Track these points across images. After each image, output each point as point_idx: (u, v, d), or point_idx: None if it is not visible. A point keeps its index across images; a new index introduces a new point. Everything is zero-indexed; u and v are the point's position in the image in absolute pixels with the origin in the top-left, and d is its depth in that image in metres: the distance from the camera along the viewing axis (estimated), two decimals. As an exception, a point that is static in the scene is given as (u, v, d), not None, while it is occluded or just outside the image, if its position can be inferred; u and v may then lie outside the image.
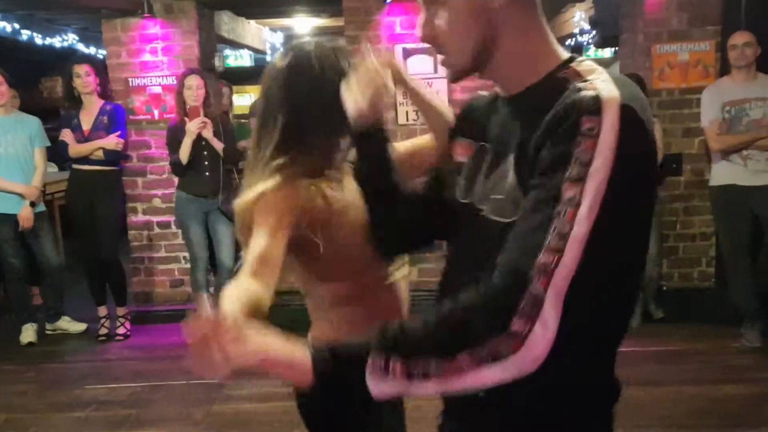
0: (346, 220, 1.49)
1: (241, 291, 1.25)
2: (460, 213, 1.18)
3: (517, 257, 0.98)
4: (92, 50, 7.66)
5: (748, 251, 4.25)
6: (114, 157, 4.76)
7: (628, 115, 0.97)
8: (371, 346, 1.00)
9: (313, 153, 1.50)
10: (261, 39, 8.48)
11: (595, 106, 0.97)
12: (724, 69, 4.64)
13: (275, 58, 1.57)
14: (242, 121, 6.40)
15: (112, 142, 4.68)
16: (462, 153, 1.22)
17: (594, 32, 7.60)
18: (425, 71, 5.07)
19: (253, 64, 9.67)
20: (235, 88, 7.20)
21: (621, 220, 0.97)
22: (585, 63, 1.09)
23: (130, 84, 5.16)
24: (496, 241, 1.03)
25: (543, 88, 1.07)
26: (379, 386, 0.99)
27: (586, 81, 1.02)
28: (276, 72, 1.50)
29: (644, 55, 4.95)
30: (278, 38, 9.24)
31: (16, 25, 6.38)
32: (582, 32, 7.78)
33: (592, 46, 9.43)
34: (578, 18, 7.55)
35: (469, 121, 1.24)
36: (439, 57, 1.15)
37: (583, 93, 0.99)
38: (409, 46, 5.07)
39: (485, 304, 0.98)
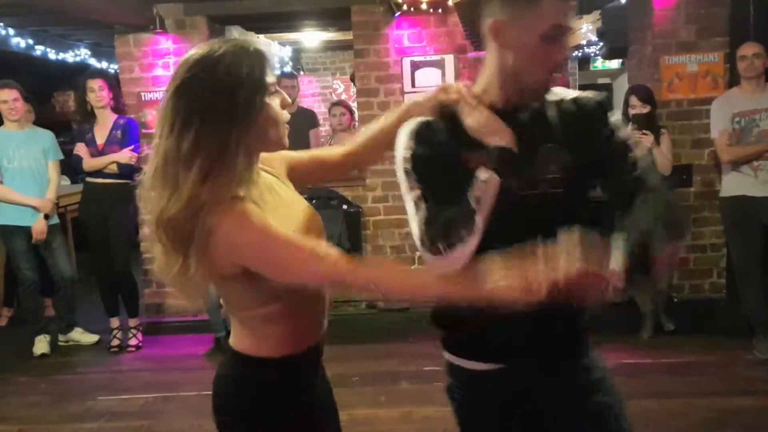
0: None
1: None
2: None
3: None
4: (104, 65, 7.74)
5: (759, 262, 4.24)
6: (128, 171, 4.80)
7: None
8: None
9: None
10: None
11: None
12: (733, 80, 4.65)
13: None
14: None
15: (126, 156, 4.73)
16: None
17: (601, 43, 7.62)
18: (432, 84, 5.11)
19: (262, 78, 9.71)
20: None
21: None
22: None
23: (143, 98, 5.22)
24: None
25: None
26: None
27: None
28: None
29: (653, 67, 4.97)
30: (286, 52, 9.30)
31: (30, 41, 6.45)
32: (589, 44, 7.81)
33: (599, 57, 9.45)
34: (585, 29, 7.58)
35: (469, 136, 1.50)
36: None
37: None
38: (417, 59, 5.11)
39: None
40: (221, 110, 1.34)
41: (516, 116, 1.50)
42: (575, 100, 1.58)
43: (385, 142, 1.67)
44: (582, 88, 9.80)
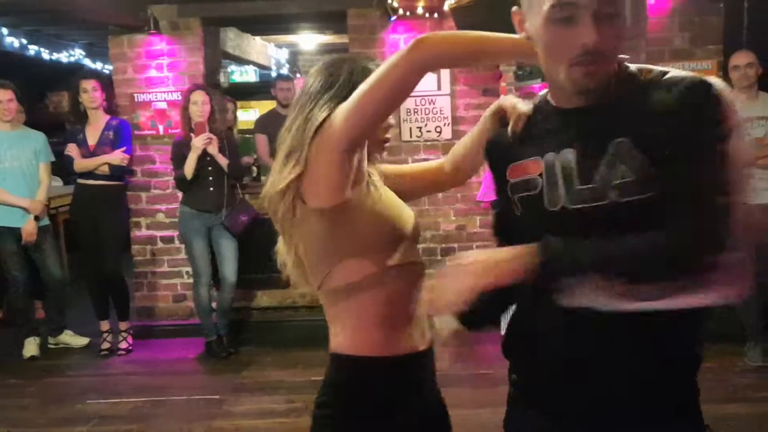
0: (379, 203, 1.55)
1: None
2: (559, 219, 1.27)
3: (712, 206, 1.16)
4: (98, 65, 7.72)
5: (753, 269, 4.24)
6: (119, 172, 4.79)
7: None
8: (590, 265, 1.16)
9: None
10: (266, 55, 8.52)
11: (705, 82, 1.21)
12: (727, 88, 4.66)
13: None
14: (246, 136, 6.43)
15: (118, 157, 4.71)
16: (530, 170, 1.32)
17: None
18: (429, 89, 5.12)
19: (258, 80, 9.72)
20: (240, 103, 7.24)
21: None
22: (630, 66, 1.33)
23: (136, 99, 5.20)
24: (625, 220, 1.19)
25: (626, 92, 1.26)
26: (598, 300, 1.15)
27: (662, 72, 1.30)
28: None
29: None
30: (283, 54, 9.29)
31: (24, 41, 6.43)
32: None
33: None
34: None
35: (525, 144, 1.36)
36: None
37: (687, 78, 1.23)
38: (413, 63, 5.10)
39: (698, 241, 1.16)
40: (316, 99, 1.50)
41: (580, 115, 1.28)
42: (665, 83, 1.26)
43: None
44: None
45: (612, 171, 1.21)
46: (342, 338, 1.55)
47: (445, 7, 4.79)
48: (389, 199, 1.59)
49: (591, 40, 1.17)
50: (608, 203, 1.21)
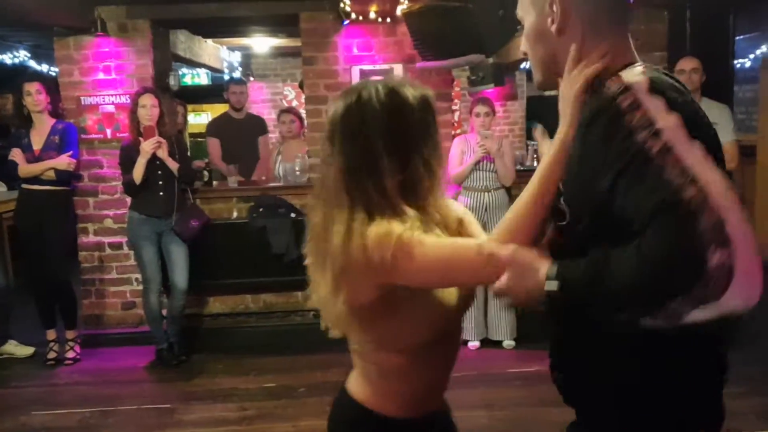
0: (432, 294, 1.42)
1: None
2: None
3: (656, 215, 1.03)
4: (44, 67, 7.53)
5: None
6: (65, 177, 4.67)
7: (655, 84, 1.18)
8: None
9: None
10: (218, 58, 8.43)
11: (621, 88, 1.17)
12: (672, 93, 4.80)
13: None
14: (198, 140, 6.34)
15: (64, 162, 4.59)
16: None
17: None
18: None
19: (210, 83, 9.62)
20: (191, 106, 7.15)
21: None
22: (634, 69, 1.28)
23: (83, 102, 5.08)
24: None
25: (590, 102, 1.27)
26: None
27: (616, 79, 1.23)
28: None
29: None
30: (236, 57, 9.20)
31: (-35, 41, 6.25)
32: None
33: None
34: (532, 42, 7.73)
35: None
36: None
37: (612, 88, 1.20)
38: (366, 67, 5.11)
39: (670, 257, 1.00)
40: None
41: None
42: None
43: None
44: (530, 99, 10.01)
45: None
46: (369, 394, 1.49)
47: (398, 12, 4.81)
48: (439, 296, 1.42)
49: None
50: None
